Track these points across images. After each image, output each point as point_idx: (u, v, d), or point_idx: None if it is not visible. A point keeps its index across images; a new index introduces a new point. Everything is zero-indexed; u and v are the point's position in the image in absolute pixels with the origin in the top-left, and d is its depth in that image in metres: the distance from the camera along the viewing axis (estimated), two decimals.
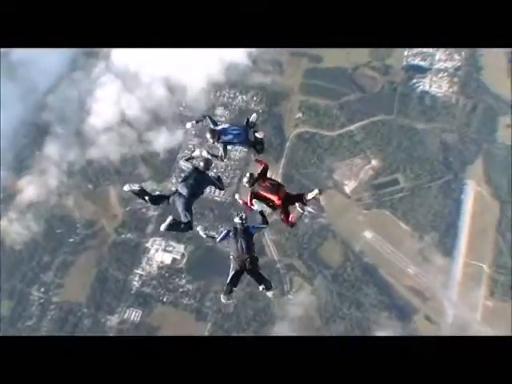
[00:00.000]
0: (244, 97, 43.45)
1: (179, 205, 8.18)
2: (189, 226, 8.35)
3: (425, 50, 45.29)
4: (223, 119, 43.37)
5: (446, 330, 42.21)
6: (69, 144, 47.05)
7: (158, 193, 9.48)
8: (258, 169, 8.54)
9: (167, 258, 41.86)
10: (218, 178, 9.17)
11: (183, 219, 8.09)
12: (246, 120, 9.22)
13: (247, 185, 8.30)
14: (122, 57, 48.62)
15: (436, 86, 44.86)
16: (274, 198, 8.10)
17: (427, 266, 43.21)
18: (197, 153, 9.12)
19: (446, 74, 45.15)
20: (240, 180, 42.26)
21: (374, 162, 43.02)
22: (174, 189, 8.58)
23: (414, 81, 45.10)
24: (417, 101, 44.65)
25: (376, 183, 42.74)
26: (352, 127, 43.21)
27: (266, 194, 8.16)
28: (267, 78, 43.26)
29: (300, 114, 43.12)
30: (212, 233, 9.34)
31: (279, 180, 45.43)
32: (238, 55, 45.82)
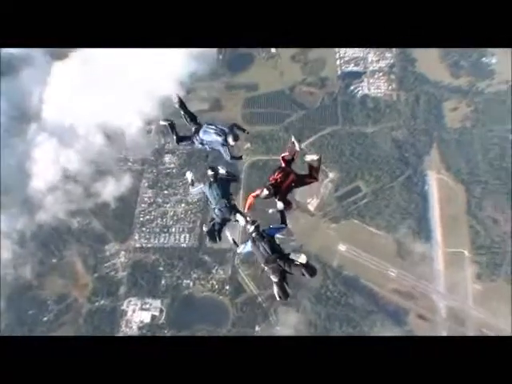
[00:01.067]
0: None
1: (228, 215, 9.56)
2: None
3: (356, 54, 51.82)
4: (172, 165, 49.09)
5: (442, 325, 46.04)
6: (15, 212, 49.27)
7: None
8: (259, 193, 9.26)
9: (146, 317, 45.18)
10: (228, 173, 10.36)
11: (242, 222, 9.29)
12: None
13: (270, 197, 9.04)
14: (54, 113, 52.00)
15: (375, 87, 51.09)
16: (291, 178, 9.22)
17: (408, 265, 47.49)
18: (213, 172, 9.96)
19: (381, 74, 51.60)
20: (201, 225, 46.49)
21: (331, 175, 48.23)
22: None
23: (352, 87, 51.36)
24: (359, 106, 50.67)
25: (338, 195, 47.81)
26: (302, 146, 52.10)
27: (286, 185, 9.19)
28: (205, 107, 48.08)
29: (248, 145, 48.08)
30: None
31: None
32: (170, 87, 49.16)
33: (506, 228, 49.01)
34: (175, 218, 47.55)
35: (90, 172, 50.47)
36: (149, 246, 47.20)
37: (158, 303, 46.15)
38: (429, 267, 48.20)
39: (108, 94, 48.14)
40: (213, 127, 9.64)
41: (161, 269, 46.70)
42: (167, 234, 47.26)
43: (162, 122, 10.29)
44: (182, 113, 9.84)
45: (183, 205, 47.68)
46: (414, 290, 47.91)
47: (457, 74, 52.89)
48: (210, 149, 10.04)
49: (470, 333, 46.89)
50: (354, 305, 46.34)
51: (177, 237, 47.08)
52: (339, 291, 46.61)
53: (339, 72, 52.00)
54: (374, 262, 47.48)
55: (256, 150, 48.54)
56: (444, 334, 47.35)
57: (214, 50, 51.35)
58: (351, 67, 51.77)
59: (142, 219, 47.84)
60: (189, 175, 10.74)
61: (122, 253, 47.33)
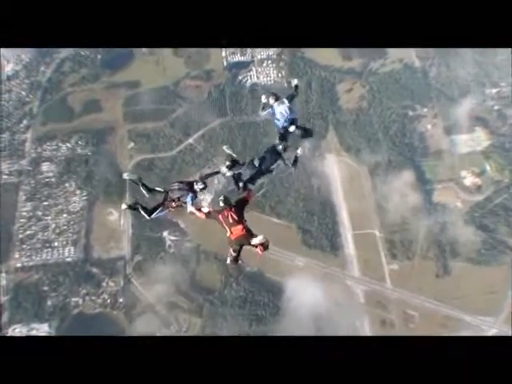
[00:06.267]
0: (68, 144, 54.15)
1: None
2: None
3: None
4: (51, 174, 53.29)
5: (360, 309, 52.32)
6: None
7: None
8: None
9: None
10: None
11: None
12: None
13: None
14: None
15: (264, 75, 58.63)
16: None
17: (317, 253, 53.84)
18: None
19: (270, 62, 59.11)
20: (86, 234, 52.10)
21: (223, 168, 60.06)
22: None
23: (240, 77, 58.44)
24: (248, 95, 57.31)
25: (233, 188, 59.54)
26: (190, 140, 54.64)
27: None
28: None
29: (132, 144, 54.03)
30: None
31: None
32: None
33: (415, 202, 56.05)
34: (57, 230, 51.22)
35: None
36: (31, 264, 50.20)
37: (45, 327, 49.35)
38: (340, 254, 54.46)
39: None
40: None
41: (45, 288, 49.81)
42: (50, 249, 50.78)
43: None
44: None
45: (65, 215, 51.48)
46: (326, 278, 53.08)
47: (348, 57, 61.41)
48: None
49: (394, 316, 52.58)
50: (261, 301, 51.73)
51: (60, 251, 50.56)
52: (244, 289, 51.77)
53: (225, 63, 59.38)
54: (279, 253, 52.49)
55: (140, 149, 54.33)
56: (366, 320, 52.50)
57: (92, 50, 58.28)
58: (238, 57, 59.45)
59: (21, 236, 51.08)
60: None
61: (3, 275, 50.08)
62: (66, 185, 53.17)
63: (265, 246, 10.75)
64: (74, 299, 50.36)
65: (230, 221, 10.78)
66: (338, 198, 56.73)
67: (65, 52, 58.48)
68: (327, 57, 62.11)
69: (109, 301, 50.62)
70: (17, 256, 51.43)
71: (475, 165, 58.26)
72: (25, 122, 55.45)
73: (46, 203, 53.20)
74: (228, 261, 10.88)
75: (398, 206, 56.54)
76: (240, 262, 10.95)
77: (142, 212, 11.69)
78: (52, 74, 58.94)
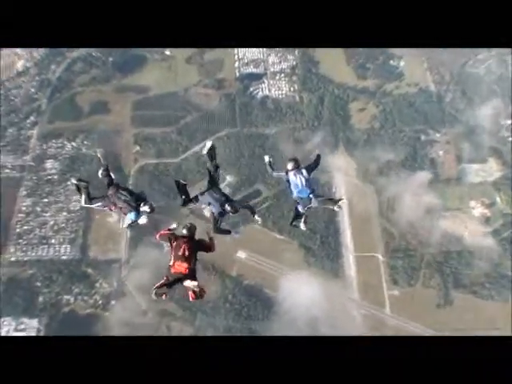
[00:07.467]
0: (73, 143, 54.62)
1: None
2: None
3: (255, 56, 60.00)
4: (53, 171, 53.85)
5: (356, 332, 50.21)
6: None
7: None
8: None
9: None
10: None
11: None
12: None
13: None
14: None
15: (276, 88, 58.82)
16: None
17: (317, 272, 53.04)
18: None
19: (283, 75, 59.53)
20: (84, 233, 52.06)
21: (229, 178, 53.81)
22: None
23: (252, 89, 58.67)
24: (259, 107, 57.56)
25: (237, 199, 58.63)
26: (196, 148, 54.36)
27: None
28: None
29: (138, 148, 54.40)
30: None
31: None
32: None
33: (421, 230, 55.25)
34: (55, 227, 51.27)
35: None
36: (25, 259, 50.15)
37: (34, 323, 48.92)
38: (341, 274, 53.90)
39: None
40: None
41: (38, 284, 49.73)
42: (46, 246, 50.73)
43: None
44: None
45: (64, 213, 51.51)
46: (326, 299, 51.51)
47: (363, 76, 61.75)
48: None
49: None
50: (256, 316, 51.28)
51: (57, 248, 50.46)
52: (240, 301, 51.22)
53: (238, 74, 59.75)
54: (277, 268, 52.53)
55: (145, 154, 54.54)
56: None
57: (105, 52, 59.36)
58: (251, 69, 59.95)
59: (18, 230, 51.16)
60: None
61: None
62: (68, 183, 53.02)
63: (196, 293, 9.77)
64: (65, 297, 50.24)
65: (180, 253, 9.92)
66: (342, 217, 56.02)
67: (77, 52, 59.09)
68: (342, 74, 62.63)
69: (100, 302, 50.29)
70: (12, 250, 51.50)
71: (485, 195, 57.53)
72: (32, 118, 56.06)
73: (46, 200, 53.34)
74: (153, 293, 9.70)
75: (404, 230, 55.99)
76: (164, 297, 9.81)
77: (83, 196, 11.30)
78: (62, 72, 59.46)
